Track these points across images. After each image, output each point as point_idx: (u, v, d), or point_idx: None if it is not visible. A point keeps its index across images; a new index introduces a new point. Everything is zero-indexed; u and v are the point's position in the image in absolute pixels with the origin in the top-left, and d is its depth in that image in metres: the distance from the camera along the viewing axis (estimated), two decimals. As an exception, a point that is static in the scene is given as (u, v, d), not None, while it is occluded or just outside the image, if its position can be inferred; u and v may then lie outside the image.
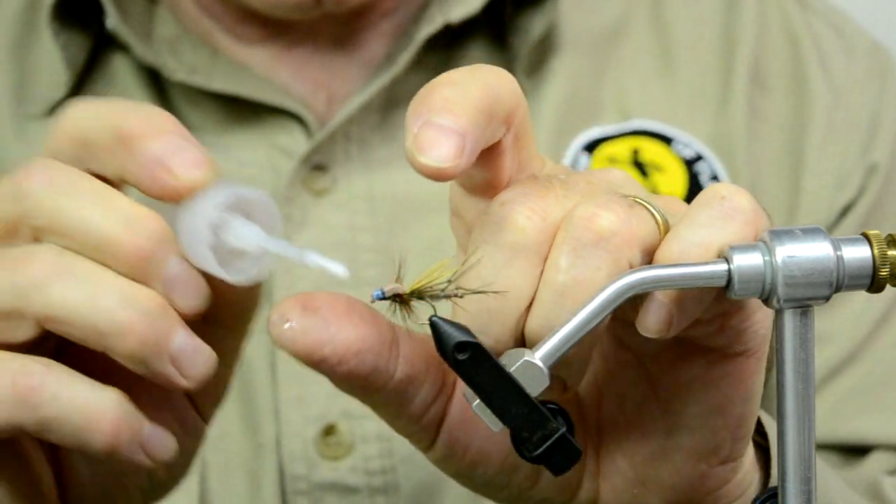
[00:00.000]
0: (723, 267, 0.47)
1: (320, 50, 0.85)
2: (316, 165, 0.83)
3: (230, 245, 0.48)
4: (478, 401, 0.47)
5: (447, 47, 0.85)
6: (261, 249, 0.48)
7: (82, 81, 0.85)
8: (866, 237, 0.47)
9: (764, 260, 0.46)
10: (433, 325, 0.46)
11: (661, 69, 0.88)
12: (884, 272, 0.47)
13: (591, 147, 0.86)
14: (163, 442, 0.50)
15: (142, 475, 0.57)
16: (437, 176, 0.46)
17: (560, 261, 0.47)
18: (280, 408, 0.79)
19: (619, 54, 0.88)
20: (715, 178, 0.85)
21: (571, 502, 0.55)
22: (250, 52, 0.85)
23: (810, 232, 0.47)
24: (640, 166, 0.85)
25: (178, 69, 0.83)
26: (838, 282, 0.47)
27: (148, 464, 0.50)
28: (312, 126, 0.84)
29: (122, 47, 0.85)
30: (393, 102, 0.84)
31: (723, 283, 0.47)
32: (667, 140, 0.87)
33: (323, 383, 0.79)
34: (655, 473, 0.53)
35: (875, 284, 0.47)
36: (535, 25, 0.85)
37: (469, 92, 0.47)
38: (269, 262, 0.49)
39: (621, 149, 0.86)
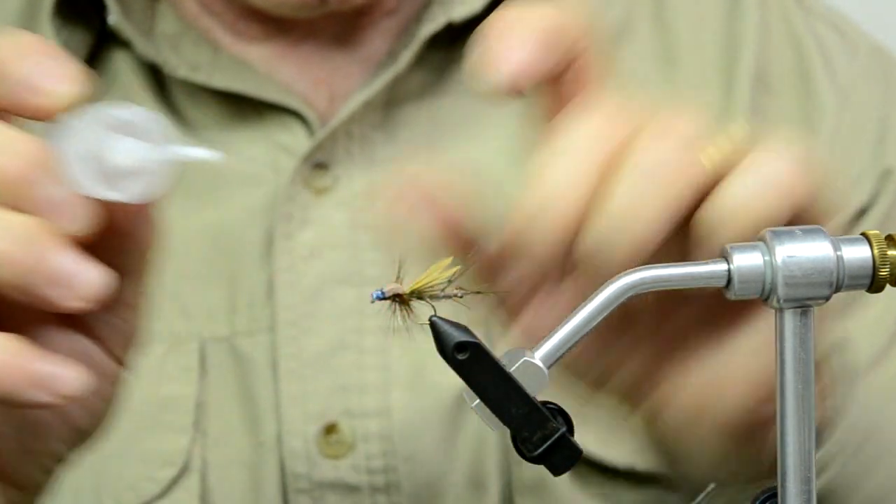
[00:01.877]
0: (722, 267, 0.47)
1: (322, 48, 0.85)
2: (317, 164, 0.83)
3: (109, 163, 0.48)
4: (478, 401, 0.47)
5: (449, 45, 0.84)
6: (139, 164, 0.48)
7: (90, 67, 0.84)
8: (866, 237, 0.47)
9: (764, 260, 0.46)
10: (433, 325, 0.46)
11: (662, 72, 0.88)
12: (884, 272, 0.47)
13: None
14: (66, 377, 0.48)
15: (60, 424, 0.55)
16: (510, 88, 0.48)
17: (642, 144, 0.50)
18: (281, 406, 0.79)
19: (620, 57, 0.88)
20: None
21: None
22: (251, 49, 0.85)
23: (810, 232, 0.47)
24: None
25: (179, 66, 0.83)
26: (838, 282, 0.47)
27: (53, 401, 0.49)
28: (314, 124, 0.83)
29: (123, 44, 0.85)
30: (394, 100, 0.84)
31: (723, 282, 0.47)
32: None
33: (324, 380, 0.80)
34: (711, 403, 0.54)
35: (875, 284, 0.47)
36: None
37: (532, 18, 0.50)
38: (154, 180, 0.48)
39: None
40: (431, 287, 0.48)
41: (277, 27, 0.84)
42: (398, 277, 0.49)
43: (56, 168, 0.48)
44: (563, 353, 0.47)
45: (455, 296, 0.48)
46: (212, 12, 0.85)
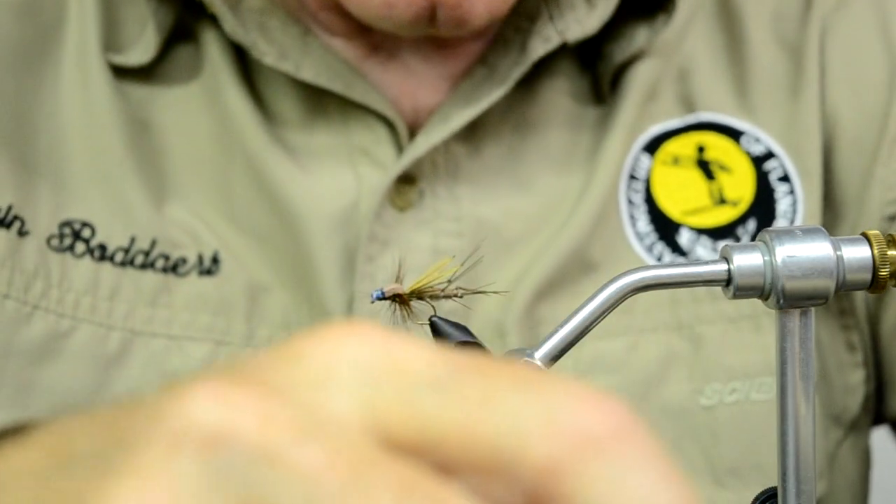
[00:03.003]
0: (723, 267, 0.47)
1: (403, 55, 0.81)
2: (403, 177, 0.78)
3: None
4: (477, 400, 0.46)
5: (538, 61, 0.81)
6: None
7: (168, 49, 0.81)
8: (866, 237, 0.47)
9: (764, 260, 0.46)
10: (433, 325, 0.46)
11: (727, 54, 0.83)
12: (884, 272, 0.47)
13: (652, 146, 0.81)
14: None
15: None
16: None
17: None
18: None
19: (685, 39, 0.83)
20: (785, 178, 0.80)
21: None
22: (334, 42, 0.80)
23: (810, 232, 0.47)
24: (704, 166, 0.80)
25: (268, 51, 0.78)
26: (838, 282, 0.47)
27: None
28: (402, 133, 0.79)
29: (210, 18, 0.80)
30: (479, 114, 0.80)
31: (723, 282, 0.47)
32: (735, 134, 0.81)
33: None
34: None
35: (875, 284, 0.47)
36: (638, 38, 0.80)
37: None
38: None
39: (685, 146, 0.81)
40: (431, 287, 0.48)
41: (359, 26, 0.79)
42: (398, 277, 0.49)
43: None
44: (563, 353, 0.47)
45: (455, 296, 0.48)
46: None
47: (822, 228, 0.47)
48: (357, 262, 0.77)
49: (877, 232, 0.47)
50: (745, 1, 0.84)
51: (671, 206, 0.80)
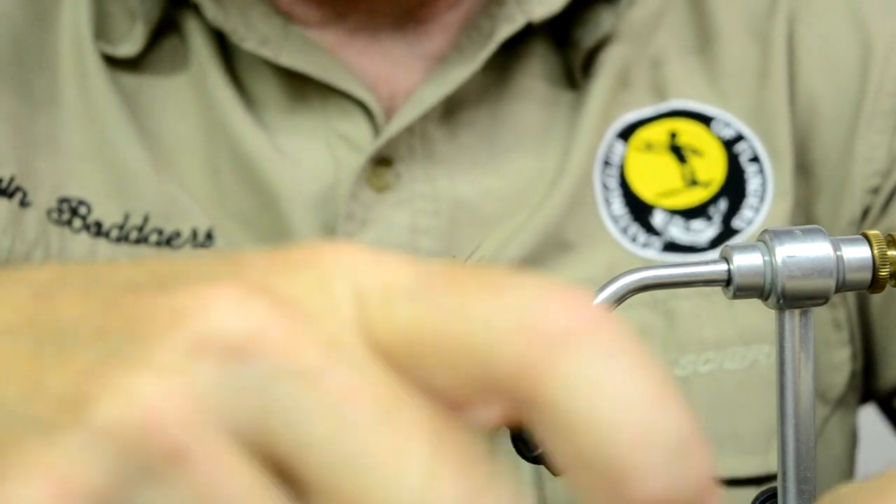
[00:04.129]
0: (722, 267, 0.47)
1: (381, 39, 0.82)
2: (380, 159, 0.80)
3: None
4: (478, 401, 0.46)
5: (509, 43, 0.82)
6: None
7: (156, 40, 0.83)
8: (866, 237, 0.47)
9: (763, 260, 0.47)
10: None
11: (698, 44, 0.85)
12: (884, 272, 0.47)
13: (626, 133, 0.83)
14: None
15: None
16: None
17: None
18: None
19: (656, 31, 0.85)
20: (755, 159, 0.82)
21: None
22: (311, 33, 0.82)
23: (810, 232, 0.47)
24: (677, 150, 0.83)
25: (248, 37, 0.80)
26: (838, 282, 0.47)
27: None
28: (379, 117, 0.80)
29: (193, 8, 0.82)
30: (454, 98, 0.81)
31: (723, 282, 0.47)
32: (706, 120, 0.83)
33: None
34: None
35: (875, 284, 0.47)
36: (604, 22, 0.82)
37: None
38: None
39: (658, 133, 0.83)
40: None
41: (335, 13, 0.82)
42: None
43: None
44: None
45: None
46: None
47: (822, 228, 0.47)
48: (335, 240, 0.78)
49: (877, 232, 0.47)
50: None
51: (644, 190, 0.82)
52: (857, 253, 0.47)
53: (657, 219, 0.81)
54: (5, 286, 0.33)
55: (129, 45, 0.82)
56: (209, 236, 0.79)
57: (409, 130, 0.80)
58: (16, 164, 0.79)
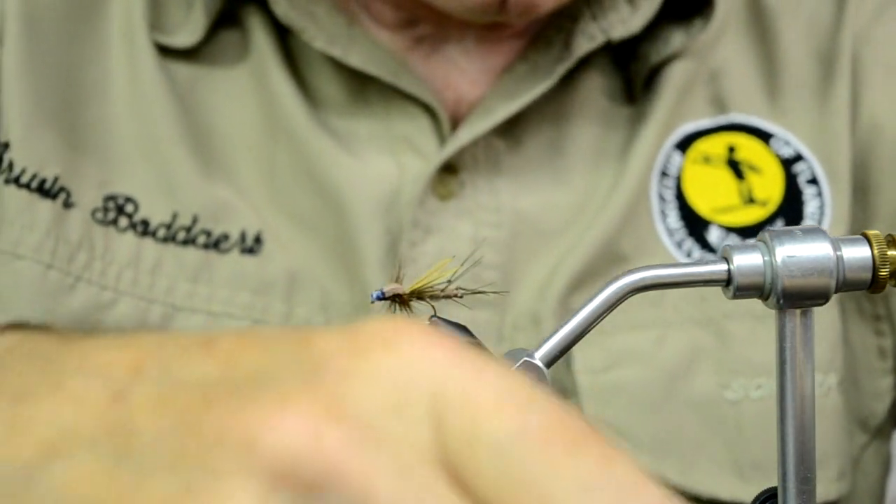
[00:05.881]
0: (722, 267, 0.47)
1: (446, 47, 0.81)
2: (446, 166, 0.79)
3: None
4: (478, 401, 0.46)
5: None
6: None
7: (213, 32, 0.81)
8: (866, 237, 0.47)
9: (764, 260, 0.46)
10: (433, 325, 0.46)
11: (759, 59, 0.84)
12: (884, 272, 0.47)
13: (684, 144, 0.82)
14: None
15: None
16: None
17: None
18: None
19: (718, 44, 0.84)
20: (814, 181, 0.81)
21: None
22: (380, 33, 0.81)
23: (810, 232, 0.47)
24: (734, 165, 0.82)
25: (317, 36, 0.79)
26: (838, 282, 0.47)
27: None
28: (444, 124, 0.80)
29: (255, 3, 0.81)
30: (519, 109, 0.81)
31: (723, 282, 0.47)
32: (765, 136, 0.82)
33: None
34: None
35: (875, 284, 0.47)
36: (674, 40, 0.82)
37: None
38: None
39: (716, 145, 0.82)
40: (431, 287, 0.48)
41: (410, 16, 0.80)
42: (398, 277, 0.48)
43: None
44: (564, 353, 0.47)
45: (455, 296, 0.48)
46: None
47: (822, 228, 0.47)
48: (400, 247, 0.78)
49: (877, 232, 0.47)
50: (779, 9, 0.85)
51: (701, 204, 0.81)
52: (857, 253, 0.47)
53: (713, 235, 0.80)
54: (81, 377, 0.33)
55: (187, 35, 0.81)
56: (258, 239, 0.78)
57: (474, 140, 0.80)
58: (61, 163, 0.78)
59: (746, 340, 0.78)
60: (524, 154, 0.81)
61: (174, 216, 0.78)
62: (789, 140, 0.83)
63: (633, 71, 0.83)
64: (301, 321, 0.77)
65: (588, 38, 0.80)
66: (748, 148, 0.82)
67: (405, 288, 0.48)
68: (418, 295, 0.48)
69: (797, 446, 0.47)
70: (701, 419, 0.77)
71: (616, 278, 0.47)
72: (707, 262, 0.47)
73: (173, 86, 0.80)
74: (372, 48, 0.80)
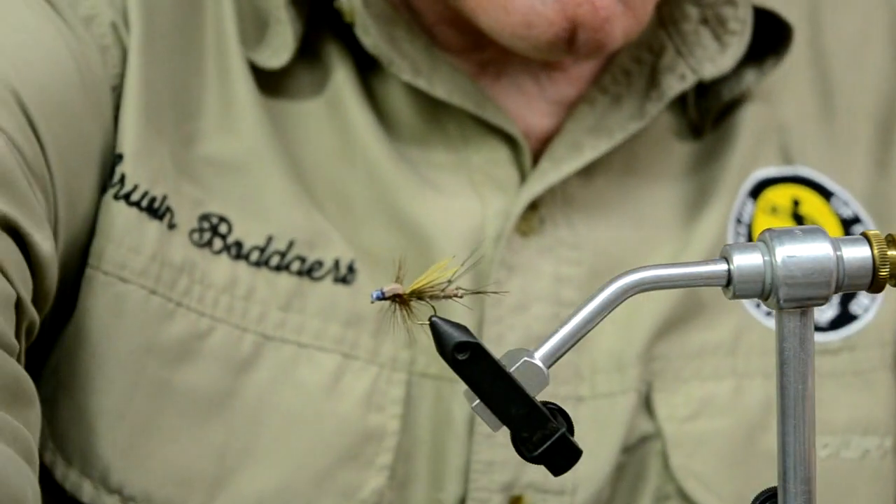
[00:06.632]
0: (723, 267, 0.47)
1: (511, 74, 0.80)
2: (529, 203, 0.78)
3: None
4: (478, 401, 0.47)
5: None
6: None
7: (293, 62, 0.79)
8: (866, 237, 0.47)
9: (764, 260, 0.46)
10: (433, 325, 0.46)
11: (820, 109, 0.84)
12: (884, 272, 0.47)
13: (755, 192, 0.82)
14: None
15: None
16: None
17: None
18: (470, 469, 0.76)
19: (783, 91, 0.84)
20: None
21: None
22: (454, 60, 0.79)
23: (810, 232, 0.47)
24: (798, 220, 0.82)
25: (403, 66, 0.77)
26: (838, 282, 0.47)
27: None
28: (526, 157, 0.78)
29: (331, 29, 0.79)
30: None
31: (723, 282, 0.47)
32: (826, 194, 0.83)
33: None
34: None
35: (875, 284, 0.47)
36: (746, 77, 0.81)
37: None
38: None
39: (783, 197, 0.82)
40: (431, 287, 0.48)
41: (474, 41, 0.78)
42: (398, 277, 0.48)
43: None
44: (563, 353, 0.47)
45: (455, 296, 0.48)
46: (413, 8, 0.79)
47: (822, 228, 0.47)
48: (486, 286, 0.76)
49: (876, 232, 0.47)
50: (841, 64, 0.85)
51: None
52: (857, 253, 0.47)
53: None
54: None
55: (275, 57, 0.78)
56: (351, 269, 0.76)
57: (564, 177, 0.78)
58: (170, 181, 0.75)
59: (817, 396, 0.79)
60: (597, 189, 0.80)
61: (269, 240, 0.76)
62: (848, 201, 0.83)
63: (702, 107, 0.82)
64: (387, 358, 0.76)
65: (678, 78, 0.79)
66: (811, 204, 0.83)
67: (405, 288, 0.48)
68: (418, 295, 0.48)
69: (797, 446, 0.47)
70: (773, 474, 0.77)
71: (616, 278, 0.47)
72: (707, 262, 0.47)
73: (265, 106, 0.78)
74: (455, 76, 0.78)
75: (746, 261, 0.47)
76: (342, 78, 0.79)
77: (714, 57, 0.79)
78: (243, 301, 0.75)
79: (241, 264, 0.75)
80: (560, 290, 0.78)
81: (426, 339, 0.76)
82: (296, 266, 0.76)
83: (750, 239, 0.81)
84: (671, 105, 0.82)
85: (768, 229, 0.47)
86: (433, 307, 0.48)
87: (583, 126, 0.79)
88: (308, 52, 0.79)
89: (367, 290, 0.76)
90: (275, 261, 0.76)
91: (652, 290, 0.47)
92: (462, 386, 0.77)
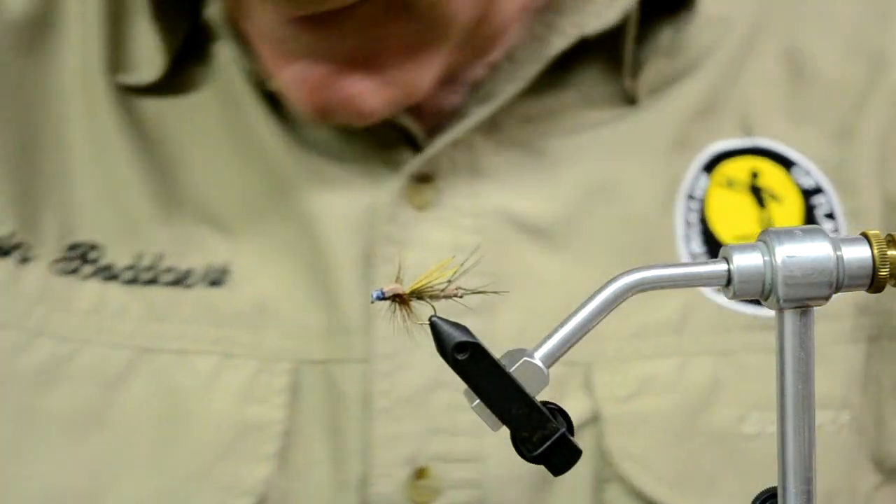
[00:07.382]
0: (723, 267, 0.47)
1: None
2: (420, 176, 0.79)
3: None
4: (477, 401, 0.47)
5: (565, 59, 0.81)
6: None
7: (182, 61, 0.82)
8: (866, 237, 0.47)
9: (764, 260, 0.46)
10: (433, 325, 0.46)
11: (787, 78, 0.84)
12: (884, 272, 0.47)
13: (710, 165, 0.81)
14: None
15: None
16: None
17: None
18: (371, 446, 0.76)
19: (748, 62, 0.84)
20: (830, 215, 0.81)
21: None
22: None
23: (810, 232, 0.47)
24: (756, 192, 0.81)
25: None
26: (838, 282, 0.47)
27: None
28: (419, 137, 0.79)
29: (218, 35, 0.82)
30: (500, 110, 0.80)
31: (723, 282, 0.47)
32: (787, 164, 0.82)
33: (417, 422, 0.75)
34: None
35: (875, 284, 0.47)
36: (662, 39, 0.81)
37: None
38: None
39: (740, 169, 0.82)
40: (431, 287, 0.48)
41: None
42: (398, 277, 0.48)
43: None
44: (563, 353, 0.47)
45: (455, 296, 0.48)
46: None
47: (822, 228, 0.47)
48: (374, 263, 0.77)
49: (876, 232, 0.47)
50: (810, 34, 0.85)
51: (723, 230, 0.81)
52: (857, 253, 0.47)
53: None
54: None
55: (150, 71, 0.81)
56: (224, 271, 0.78)
57: (453, 144, 0.79)
58: (16, 218, 0.78)
59: (765, 374, 0.78)
60: (508, 156, 0.80)
61: (138, 257, 0.78)
62: (810, 170, 0.82)
63: (625, 72, 0.82)
64: (269, 350, 0.77)
65: (560, 34, 0.79)
66: (771, 175, 0.82)
67: (405, 288, 0.48)
68: (418, 295, 0.48)
69: (797, 446, 0.47)
70: (718, 452, 0.76)
71: (616, 278, 0.47)
72: (707, 262, 0.47)
73: (137, 124, 0.80)
74: None
75: (746, 261, 0.47)
76: (236, 76, 0.81)
77: (600, 12, 0.79)
78: (114, 320, 0.77)
79: (113, 285, 0.78)
80: (459, 259, 0.78)
81: (317, 327, 0.77)
82: (167, 277, 0.78)
83: (703, 215, 0.80)
84: (606, 75, 0.82)
85: (767, 229, 0.47)
86: (433, 307, 0.48)
87: (477, 97, 0.79)
88: (198, 53, 0.82)
89: (242, 289, 0.78)
90: (145, 276, 0.78)
91: (652, 290, 0.47)
92: (352, 365, 0.76)
